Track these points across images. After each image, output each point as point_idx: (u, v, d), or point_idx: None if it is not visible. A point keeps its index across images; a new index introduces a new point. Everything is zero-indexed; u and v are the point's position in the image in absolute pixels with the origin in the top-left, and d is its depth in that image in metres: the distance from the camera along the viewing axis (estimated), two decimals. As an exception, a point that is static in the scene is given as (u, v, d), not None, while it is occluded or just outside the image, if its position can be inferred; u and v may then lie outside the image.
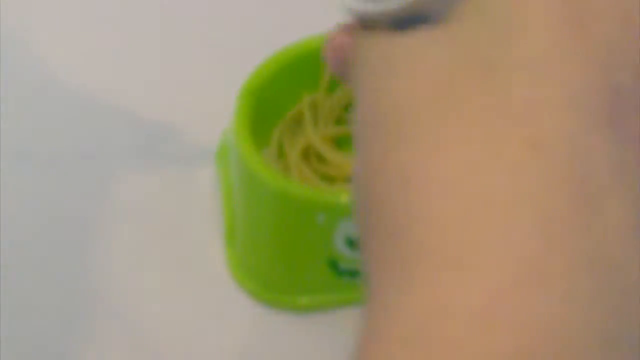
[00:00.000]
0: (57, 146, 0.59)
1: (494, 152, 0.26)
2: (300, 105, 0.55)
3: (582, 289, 0.25)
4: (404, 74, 0.29)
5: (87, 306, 0.53)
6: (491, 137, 0.27)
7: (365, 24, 0.32)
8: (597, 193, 0.26)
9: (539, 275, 0.25)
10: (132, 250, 0.55)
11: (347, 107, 0.55)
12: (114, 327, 0.52)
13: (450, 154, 0.27)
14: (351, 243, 0.50)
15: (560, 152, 0.26)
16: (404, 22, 0.31)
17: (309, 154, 0.54)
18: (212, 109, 0.59)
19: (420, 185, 0.27)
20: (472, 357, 0.25)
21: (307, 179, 0.53)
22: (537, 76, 0.27)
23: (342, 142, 0.55)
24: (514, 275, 0.25)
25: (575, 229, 0.25)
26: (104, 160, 0.58)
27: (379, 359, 0.26)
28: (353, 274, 0.51)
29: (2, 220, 0.55)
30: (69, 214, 0.56)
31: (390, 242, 0.27)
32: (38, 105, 0.61)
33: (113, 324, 0.52)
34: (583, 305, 0.25)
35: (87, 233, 0.55)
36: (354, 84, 0.32)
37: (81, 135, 0.59)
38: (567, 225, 0.25)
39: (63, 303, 0.53)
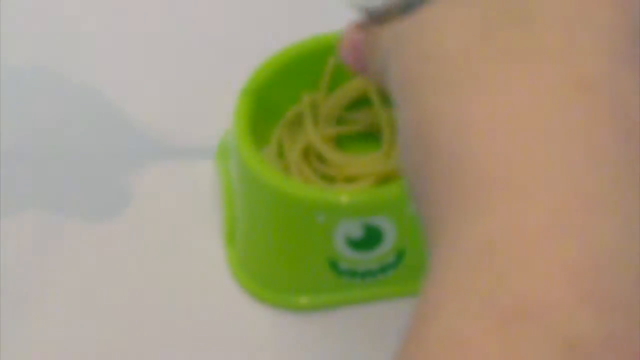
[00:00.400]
0: (56, 146, 0.59)
1: (544, 91, 0.28)
2: (300, 105, 0.55)
3: (636, 218, 0.27)
4: (441, 31, 0.31)
5: (87, 306, 0.53)
6: (540, 78, 0.29)
7: (378, 20, 0.33)
8: (634, 129, 0.28)
9: (598, 202, 0.27)
10: (132, 250, 0.55)
11: (347, 107, 0.55)
12: (114, 327, 0.52)
13: (504, 96, 0.29)
14: (351, 243, 0.50)
15: (603, 91, 0.28)
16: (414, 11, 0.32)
17: (309, 154, 0.54)
18: (212, 109, 0.59)
19: (480, 126, 0.29)
20: (545, 263, 0.26)
21: (307, 178, 0.53)
22: (572, 22, 0.29)
23: (342, 142, 0.55)
24: (575, 201, 0.27)
25: (621, 161, 0.27)
26: (103, 161, 0.58)
27: (453, 278, 0.27)
28: (353, 274, 0.51)
29: (2, 219, 0.55)
30: (69, 214, 0.56)
31: (456, 181, 0.29)
32: (37, 104, 0.61)
33: (112, 323, 0.52)
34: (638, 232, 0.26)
35: (87, 233, 0.55)
36: (382, 67, 0.33)
37: (81, 135, 0.59)
38: (613, 157, 0.27)
39: (61, 302, 0.53)
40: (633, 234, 0.26)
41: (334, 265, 0.51)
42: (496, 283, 0.26)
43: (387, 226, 0.49)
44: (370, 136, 0.55)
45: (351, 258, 0.51)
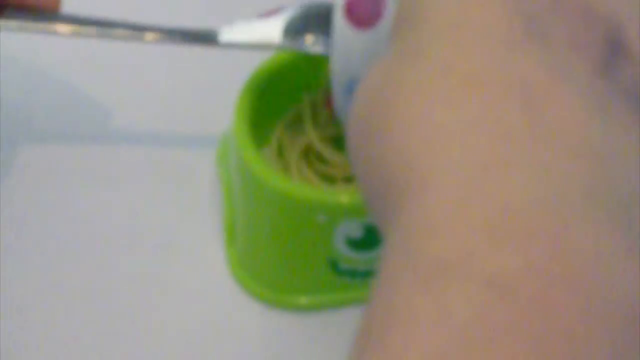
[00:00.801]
0: (56, 147, 0.59)
1: (439, 91, 0.30)
2: (300, 105, 0.55)
3: (541, 167, 0.28)
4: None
5: (86, 306, 0.53)
6: (435, 86, 0.30)
7: None
8: (536, 94, 0.29)
9: (503, 160, 0.28)
10: (132, 251, 0.55)
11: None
12: (113, 327, 0.52)
13: (412, 94, 0.31)
14: (351, 243, 0.50)
15: (493, 76, 0.30)
16: None
17: (309, 154, 0.54)
18: (212, 109, 0.59)
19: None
20: (460, 225, 0.27)
21: (307, 179, 0.53)
22: (454, 33, 0.31)
23: (342, 142, 0.55)
24: (482, 165, 0.28)
25: (521, 125, 0.29)
26: (103, 160, 0.58)
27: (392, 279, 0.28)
28: (353, 274, 0.51)
29: (2, 218, 0.55)
30: (69, 214, 0.56)
31: (378, 176, 0.31)
32: (36, 101, 0.61)
33: (112, 323, 0.52)
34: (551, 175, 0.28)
35: (86, 233, 0.55)
36: None
37: (80, 135, 0.59)
38: (516, 125, 0.29)
39: (62, 304, 0.53)
40: (541, 179, 0.28)
41: (334, 265, 0.51)
42: (417, 252, 0.28)
43: (387, 226, 0.49)
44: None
45: (351, 258, 0.51)
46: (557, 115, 0.29)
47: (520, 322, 0.25)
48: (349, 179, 0.53)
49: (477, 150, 0.29)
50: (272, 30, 0.49)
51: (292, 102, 0.54)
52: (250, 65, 0.53)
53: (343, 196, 0.49)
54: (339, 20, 0.43)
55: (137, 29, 0.53)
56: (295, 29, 0.49)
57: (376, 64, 0.34)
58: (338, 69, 0.44)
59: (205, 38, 0.52)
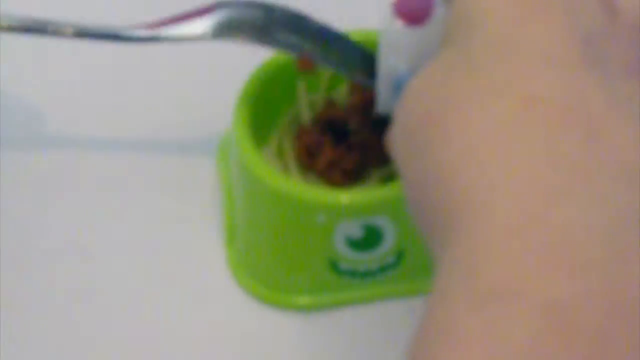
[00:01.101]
0: (56, 147, 0.59)
1: (499, 119, 0.30)
2: (300, 105, 0.54)
3: (596, 198, 0.28)
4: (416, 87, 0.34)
5: (87, 306, 0.53)
6: (493, 109, 0.30)
7: None
8: (596, 121, 0.29)
9: (559, 189, 0.28)
10: (131, 250, 0.55)
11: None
12: (113, 327, 0.52)
13: (466, 137, 0.30)
14: (351, 243, 0.50)
15: (555, 100, 0.30)
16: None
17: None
18: (212, 109, 0.59)
19: (454, 165, 0.31)
20: (515, 252, 0.27)
21: (307, 179, 0.53)
22: (508, 47, 0.31)
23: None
24: (538, 191, 0.28)
25: (575, 157, 0.29)
26: (103, 161, 0.58)
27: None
28: (353, 274, 0.51)
29: (1, 218, 0.55)
30: (68, 214, 0.56)
31: (439, 203, 0.31)
32: (35, 98, 0.61)
33: (111, 323, 0.52)
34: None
35: (86, 233, 0.55)
36: None
37: (80, 135, 0.59)
38: (570, 157, 0.29)
39: (60, 303, 0.53)
40: (600, 208, 0.28)
41: (334, 265, 0.51)
42: (475, 274, 0.28)
43: (387, 226, 0.49)
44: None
45: (351, 258, 0.51)
46: (616, 144, 0.29)
47: (575, 351, 0.25)
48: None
49: (538, 178, 0.28)
50: (200, 25, 0.50)
51: (291, 102, 0.54)
52: (250, 66, 0.53)
53: (343, 196, 0.49)
54: (388, 17, 0.42)
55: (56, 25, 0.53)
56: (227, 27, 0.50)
57: (427, 68, 0.33)
58: (385, 65, 0.43)
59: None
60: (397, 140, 0.34)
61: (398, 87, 0.43)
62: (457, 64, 0.32)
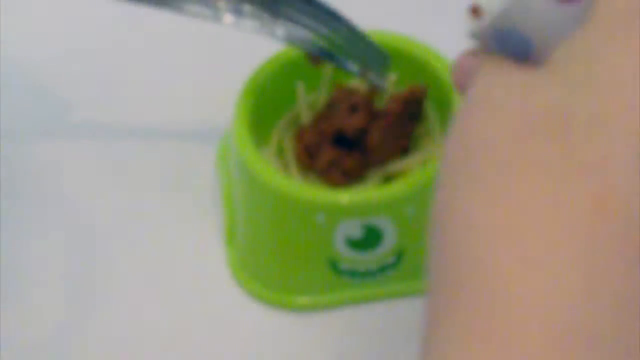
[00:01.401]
0: (55, 147, 0.59)
1: (560, 212, 0.28)
2: (300, 105, 0.54)
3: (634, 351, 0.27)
4: (485, 121, 0.30)
5: (87, 306, 0.53)
6: (557, 191, 0.28)
7: (483, 49, 0.34)
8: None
9: (592, 335, 0.27)
10: (131, 250, 0.55)
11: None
12: (114, 327, 0.52)
13: (515, 202, 0.28)
14: (351, 243, 0.50)
15: (620, 217, 0.28)
16: (507, 41, 0.32)
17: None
18: (212, 109, 0.59)
19: (486, 237, 0.28)
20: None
21: (307, 179, 0.53)
22: (614, 137, 0.28)
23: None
24: (569, 334, 0.27)
25: (620, 293, 0.27)
26: (103, 160, 0.58)
27: None
28: (353, 274, 0.51)
29: (1, 215, 0.55)
30: (68, 214, 0.56)
31: (457, 285, 0.29)
32: (34, 95, 0.61)
33: (111, 322, 0.52)
34: None
35: (86, 233, 0.55)
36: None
37: (80, 135, 0.59)
38: (612, 288, 0.27)
39: (62, 303, 0.53)
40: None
41: (334, 265, 0.51)
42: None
43: (387, 226, 0.49)
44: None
45: (351, 258, 0.51)
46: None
47: None
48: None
49: (564, 309, 0.27)
50: None
51: (291, 102, 0.54)
52: (250, 65, 0.53)
53: (343, 196, 0.49)
54: None
55: None
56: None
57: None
58: (506, 15, 0.40)
59: None
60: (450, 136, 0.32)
61: (503, 39, 0.40)
62: (558, 109, 0.29)
